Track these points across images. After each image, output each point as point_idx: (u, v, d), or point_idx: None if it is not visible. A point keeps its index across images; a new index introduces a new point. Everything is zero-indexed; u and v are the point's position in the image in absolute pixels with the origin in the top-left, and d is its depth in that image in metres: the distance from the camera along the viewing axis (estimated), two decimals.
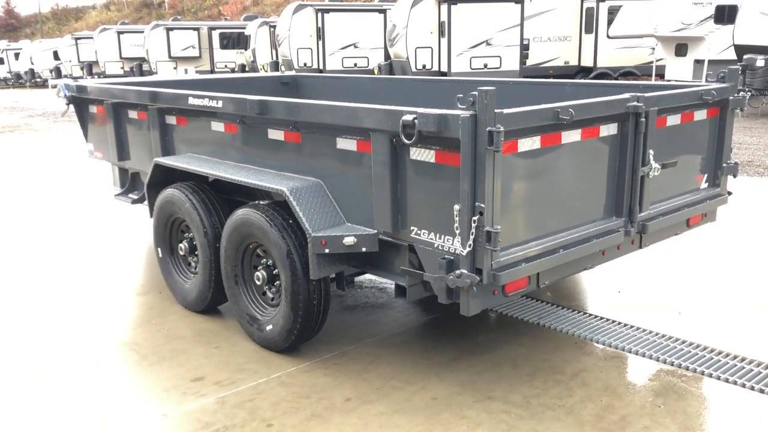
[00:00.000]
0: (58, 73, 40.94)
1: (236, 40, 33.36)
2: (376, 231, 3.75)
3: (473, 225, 3.19)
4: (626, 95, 3.83)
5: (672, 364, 4.03)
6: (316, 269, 3.83)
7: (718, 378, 3.86)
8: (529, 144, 3.40)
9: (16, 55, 47.05)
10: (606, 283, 5.41)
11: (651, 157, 4.01)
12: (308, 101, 4.07)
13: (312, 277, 3.85)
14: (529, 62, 23.16)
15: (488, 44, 22.22)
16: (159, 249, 5.16)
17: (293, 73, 8.52)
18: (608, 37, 22.92)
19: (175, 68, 33.16)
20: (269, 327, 4.22)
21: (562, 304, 4.96)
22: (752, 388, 3.74)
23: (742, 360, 4.06)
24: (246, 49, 31.54)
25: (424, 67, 22.99)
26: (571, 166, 3.69)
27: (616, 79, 23.81)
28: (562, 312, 4.82)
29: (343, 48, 25.99)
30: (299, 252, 3.92)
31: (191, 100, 4.82)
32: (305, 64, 26.53)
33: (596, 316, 4.74)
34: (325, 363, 4.12)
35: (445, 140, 3.27)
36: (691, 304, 4.96)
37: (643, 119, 3.89)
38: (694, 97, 4.31)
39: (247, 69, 31.30)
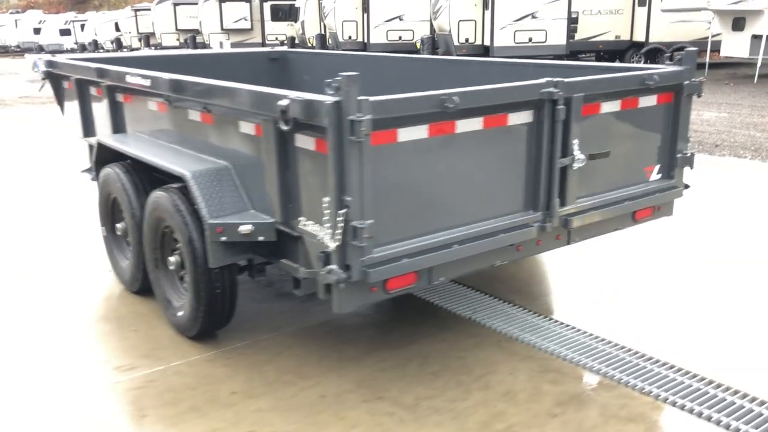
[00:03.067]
0: (118, 44, 41.92)
1: (288, 12, 33.37)
2: (273, 220, 3.60)
3: (340, 219, 3.02)
4: (542, 80, 3.55)
5: (591, 369, 3.77)
6: (214, 257, 3.71)
7: (634, 387, 3.58)
8: (413, 133, 3.18)
9: (82, 27, 48.39)
10: (564, 275, 5.14)
11: (575, 148, 3.72)
12: (202, 80, 3.91)
13: (210, 266, 3.75)
14: (578, 36, 22.34)
15: (534, 17, 21.55)
16: (103, 228, 5.16)
17: (285, 48, 8.35)
18: (662, 10, 21.86)
19: (228, 40, 33.45)
20: (180, 313, 4.15)
21: (506, 298, 4.72)
22: (665, 400, 3.46)
23: (671, 368, 3.77)
24: (296, 22, 31.54)
25: (467, 40, 22.51)
26: (472, 156, 3.45)
27: (671, 55, 22.77)
28: (502, 306, 4.59)
29: (388, 21, 25.67)
30: (201, 239, 3.82)
31: (128, 78, 4.74)
32: (350, 37, 26.35)
33: (535, 313, 4.48)
34: (231, 352, 4.03)
35: (318, 128, 3.09)
36: (643, 303, 4.64)
37: (561, 106, 3.60)
38: (635, 82, 3.97)
39: (296, 42, 31.32)
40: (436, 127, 3.24)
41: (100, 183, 4.99)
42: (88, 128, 6.02)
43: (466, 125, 3.35)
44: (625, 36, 22.74)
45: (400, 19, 25.65)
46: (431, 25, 24.45)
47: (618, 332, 4.20)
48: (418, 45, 24.12)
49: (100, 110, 5.61)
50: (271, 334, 4.25)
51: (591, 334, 4.17)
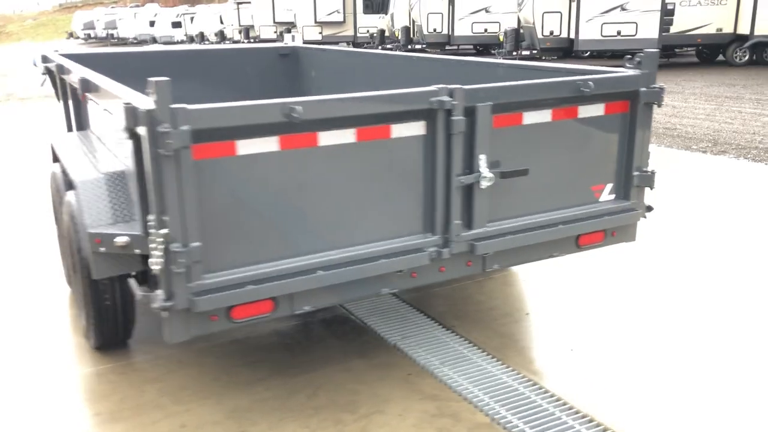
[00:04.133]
0: (221, 36, 43.29)
1: (380, 5, 33.23)
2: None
3: (160, 240, 2.73)
4: (433, 87, 3.11)
5: (494, 417, 3.30)
6: (96, 269, 3.51)
7: None
8: (259, 146, 2.84)
9: (192, 20, 50.38)
10: (527, 298, 4.63)
11: (481, 164, 3.26)
12: (94, 77, 3.71)
13: (93, 277, 3.55)
14: (673, 29, 20.88)
15: (623, 9, 20.34)
16: (57, 227, 5.11)
17: (297, 44, 8.08)
18: None
19: (321, 33, 33.72)
20: (84, 322, 4.00)
21: (449, 323, 4.28)
22: None
23: (590, 423, 3.23)
24: (386, 14, 31.37)
25: (551, 33, 21.57)
26: (345, 172, 3.06)
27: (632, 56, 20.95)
28: (439, 333, 4.15)
29: (473, 12, 25.05)
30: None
31: (71, 76, 4.65)
32: (435, 30, 25.90)
33: (471, 343, 4.02)
34: (126, 367, 3.83)
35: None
36: (600, 338, 4.08)
37: (459, 117, 3.14)
38: (566, 89, 3.44)
39: (386, 35, 31.15)
40: (289, 139, 2.89)
41: (50, 183, 4.94)
42: (70, 125, 6.03)
43: (333, 137, 2.98)
44: (728, 29, 21.07)
45: (487, 11, 24.95)
46: (518, 17, 23.61)
47: (551, 373, 3.69)
48: (501, 38, 23.35)
49: (73, 107, 5.59)
50: (178, 349, 4.03)
51: (518, 373, 3.68)
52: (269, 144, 2.85)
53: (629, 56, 3.73)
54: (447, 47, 26.45)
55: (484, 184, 3.28)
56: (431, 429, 3.23)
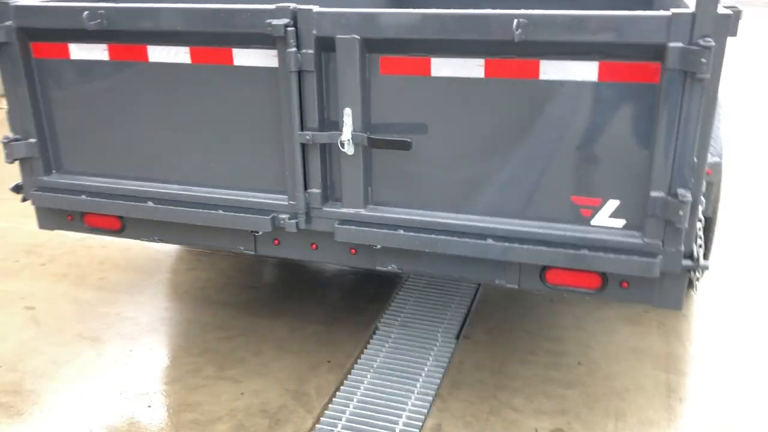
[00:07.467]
0: None
1: None
2: None
3: None
4: (271, 6, 2.33)
5: None
6: None
7: None
8: (88, 52, 2.64)
9: None
10: (619, 351, 3.17)
11: (346, 121, 2.36)
12: None
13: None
14: None
15: None
16: None
17: None
18: None
19: None
20: None
21: (471, 334, 3.30)
22: None
23: None
24: None
25: None
26: (183, 99, 2.60)
27: None
28: (441, 339, 3.25)
29: None
30: None
31: None
32: None
33: (441, 367, 3.05)
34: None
35: None
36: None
37: (304, 51, 2.32)
38: (492, 28, 2.11)
39: None
40: (117, 49, 2.61)
41: None
42: None
43: (164, 54, 2.56)
44: None
45: None
46: None
47: None
48: None
49: None
50: (229, 255, 4.13)
51: (420, 424, 2.69)
52: (98, 52, 2.63)
53: None
54: None
55: (349, 149, 2.38)
56: (232, 421, 2.70)
